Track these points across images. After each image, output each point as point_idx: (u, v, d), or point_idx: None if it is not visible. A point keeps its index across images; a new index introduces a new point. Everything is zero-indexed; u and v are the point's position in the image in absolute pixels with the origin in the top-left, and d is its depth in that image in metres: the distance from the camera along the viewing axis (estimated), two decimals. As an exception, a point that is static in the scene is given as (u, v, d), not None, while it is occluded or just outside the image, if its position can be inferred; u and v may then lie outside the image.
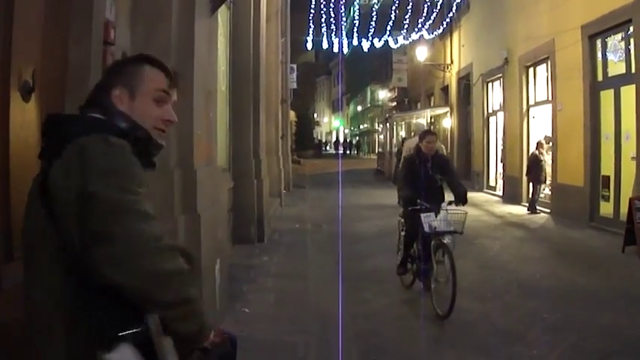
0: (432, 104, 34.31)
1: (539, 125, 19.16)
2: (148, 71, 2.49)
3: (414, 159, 8.77)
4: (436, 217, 7.98)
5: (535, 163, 17.20)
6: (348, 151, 78.89)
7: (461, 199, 8.29)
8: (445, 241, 7.88)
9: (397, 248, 9.50)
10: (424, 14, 30.63)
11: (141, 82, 2.46)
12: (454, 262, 7.47)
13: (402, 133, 38.58)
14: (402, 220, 9.18)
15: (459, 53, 28.67)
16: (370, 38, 35.53)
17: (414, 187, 8.41)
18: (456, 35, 29.11)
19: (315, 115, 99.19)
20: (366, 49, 36.84)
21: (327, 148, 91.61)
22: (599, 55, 14.77)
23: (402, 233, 9.17)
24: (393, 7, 33.56)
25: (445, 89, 31.48)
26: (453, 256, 7.57)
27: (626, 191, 12.86)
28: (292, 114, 35.60)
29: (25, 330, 2.29)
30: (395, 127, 36.99)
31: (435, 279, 7.99)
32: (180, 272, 2.17)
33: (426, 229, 7.95)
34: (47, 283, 2.17)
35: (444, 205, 8.23)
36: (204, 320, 2.30)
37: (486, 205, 19.55)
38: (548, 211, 17.14)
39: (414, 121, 35.65)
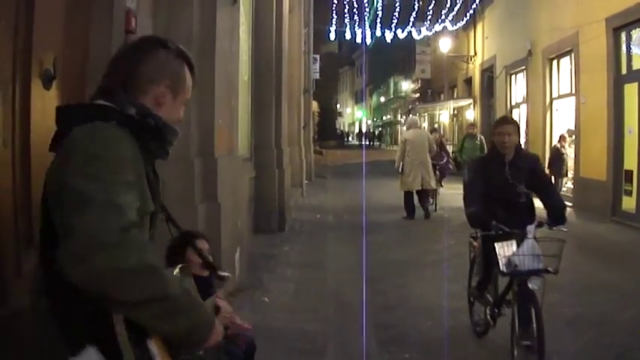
0: (455, 96, 34.22)
1: (563, 118, 19.03)
2: (187, 77, 2.48)
3: (487, 160, 6.35)
4: (518, 247, 5.37)
5: (557, 156, 17.12)
6: (370, 143, 78.68)
7: (557, 219, 5.76)
8: (530, 286, 5.36)
9: (468, 279, 6.95)
10: (448, 5, 30.48)
11: (183, 88, 2.46)
12: (542, 320, 5.17)
13: (426, 124, 38.56)
14: (474, 241, 6.66)
15: (483, 45, 28.51)
16: (393, 29, 35.40)
17: (488, 203, 5.82)
18: (479, 27, 28.95)
19: (338, 106, 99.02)
20: (389, 40, 36.69)
21: (350, 139, 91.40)
22: (624, 48, 14.60)
23: (475, 261, 6.70)
24: (417, -2, 33.46)
25: (468, 81, 31.36)
26: (541, 310, 5.24)
27: (650, 186, 12.76)
28: (315, 104, 35.58)
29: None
30: (418, 119, 36.94)
31: (517, 340, 5.39)
32: (147, 268, 1.98)
33: (503, 267, 5.40)
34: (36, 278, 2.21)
35: (530, 229, 5.44)
36: (197, 318, 2.15)
37: (508, 197, 19.44)
38: (570, 204, 16.97)
39: (436, 112, 35.74)
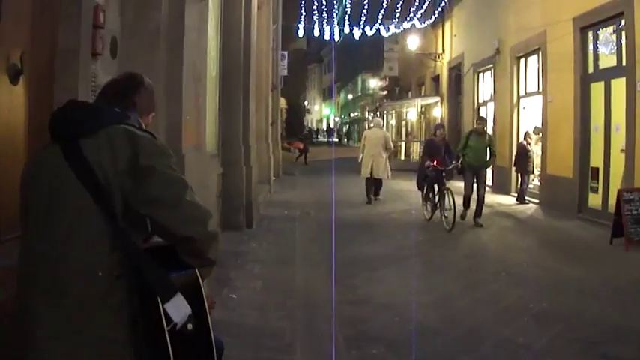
0: (422, 93, 34.31)
1: (530, 116, 19.15)
2: None
3: None
4: None
5: (522, 153, 17.25)
6: (339, 140, 78.57)
7: None
8: None
9: None
10: (416, 3, 30.51)
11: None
12: None
13: (393, 122, 38.64)
14: None
15: (451, 43, 28.62)
16: (362, 26, 35.37)
17: None
18: (447, 25, 29.05)
19: (306, 103, 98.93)
20: (357, 38, 36.68)
21: (318, 136, 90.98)
22: (591, 47, 14.78)
23: None
24: (385, -5, 33.45)
25: (436, 79, 31.45)
26: None
27: (615, 183, 12.91)
28: (283, 101, 35.50)
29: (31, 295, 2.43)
30: (386, 116, 36.99)
31: None
32: (218, 236, 2.71)
33: None
34: (88, 245, 2.47)
35: None
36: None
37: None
38: (537, 201, 17.18)
39: (404, 109, 35.81)
